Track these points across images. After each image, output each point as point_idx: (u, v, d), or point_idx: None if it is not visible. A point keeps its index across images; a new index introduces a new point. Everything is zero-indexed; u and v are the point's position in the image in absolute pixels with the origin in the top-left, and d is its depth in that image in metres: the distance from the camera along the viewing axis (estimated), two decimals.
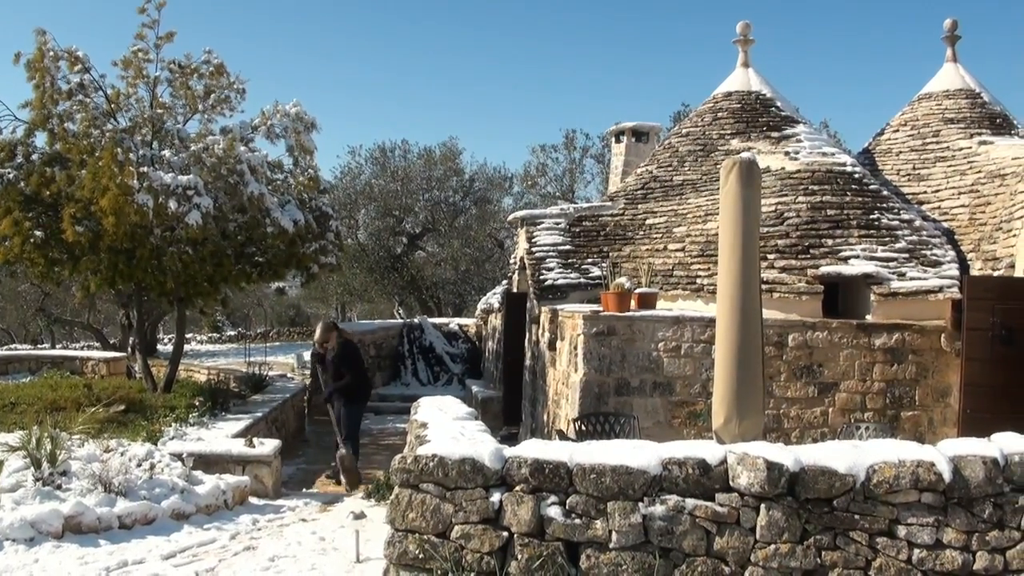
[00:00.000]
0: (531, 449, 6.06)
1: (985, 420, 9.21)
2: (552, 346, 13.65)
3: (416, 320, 28.07)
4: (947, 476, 5.75)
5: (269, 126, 16.28)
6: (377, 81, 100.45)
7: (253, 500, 10.94)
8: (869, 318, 12.47)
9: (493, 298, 23.57)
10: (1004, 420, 7.53)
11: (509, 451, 6.04)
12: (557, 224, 15.37)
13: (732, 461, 5.81)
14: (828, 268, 12.70)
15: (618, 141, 23.16)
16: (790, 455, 5.82)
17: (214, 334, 44.69)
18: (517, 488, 5.88)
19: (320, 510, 10.67)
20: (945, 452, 5.92)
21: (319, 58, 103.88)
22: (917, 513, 5.79)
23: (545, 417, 13.98)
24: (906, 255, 12.93)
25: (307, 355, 20.74)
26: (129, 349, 19.73)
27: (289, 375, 23.18)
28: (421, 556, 5.88)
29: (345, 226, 33.45)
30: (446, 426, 7.28)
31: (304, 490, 12.44)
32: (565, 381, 12.58)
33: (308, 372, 17.57)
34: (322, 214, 17.68)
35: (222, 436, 12.57)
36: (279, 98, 17.10)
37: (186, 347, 26.62)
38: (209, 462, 11.16)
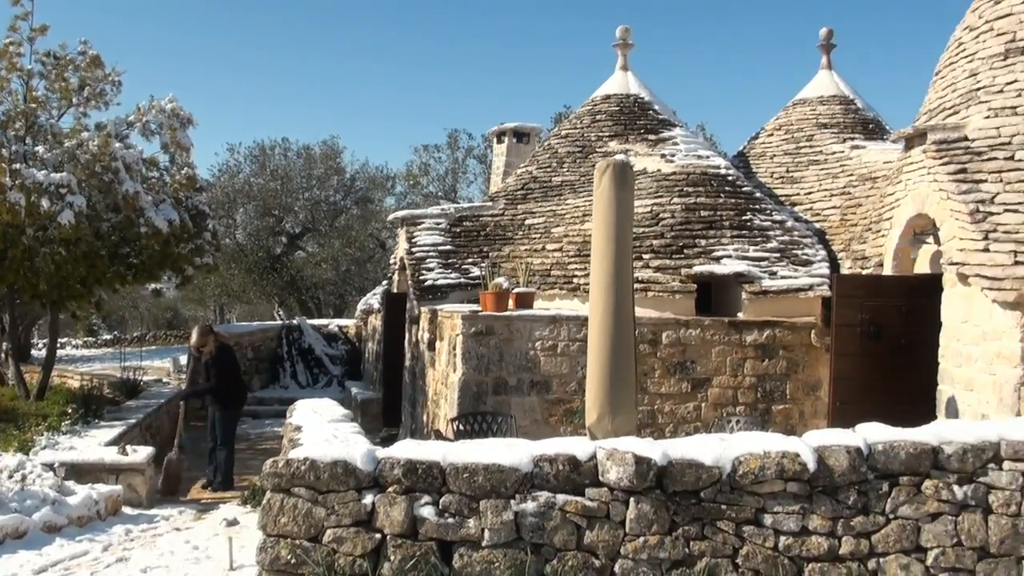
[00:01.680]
0: (404, 450, 6.06)
1: (854, 412, 9.51)
2: (431, 346, 13.65)
3: (295, 321, 27.72)
4: (811, 466, 5.95)
5: (144, 122, 15.91)
6: (256, 78, 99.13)
7: (127, 510, 10.67)
8: (741, 316, 12.80)
9: (373, 299, 23.43)
10: (872, 411, 7.80)
11: (382, 452, 6.03)
12: (438, 224, 15.37)
13: (602, 457, 5.91)
14: (701, 267, 12.99)
15: (500, 141, 23.27)
16: (658, 449, 5.94)
17: (89, 338, 43.41)
18: (390, 489, 5.87)
19: (194, 518, 10.49)
20: (810, 443, 6.12)
21: (196, 52, 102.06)
22: (783, 502, 5.98)
23: (424, 418, 13.97)
24: (778, 255, 13.30)
25: (183, 359, 20.29)
26: (1, 355, 19.04)
27: (165, 380, 22.66)
28: (293, 561, 5.83)
29: (223, 226, 32.82)
30: (320, 429, 7.24)
31: (179, 498, 12.20)
32: (444, 381, 12.60)
33: (184, 376, 17.20)
34: (199, 213, 17.33)
35: (95, 444, 12.23)
36: (155, 93, 16.64)
37: (60, 352, 25.74)
38: (82, 471, 10.82)
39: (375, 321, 21.83)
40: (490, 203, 16.15)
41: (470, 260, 14.73)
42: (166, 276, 18.22)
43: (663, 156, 15.08)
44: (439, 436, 10.68)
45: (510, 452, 5.94)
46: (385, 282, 20.62)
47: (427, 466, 5.88)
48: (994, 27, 11.45)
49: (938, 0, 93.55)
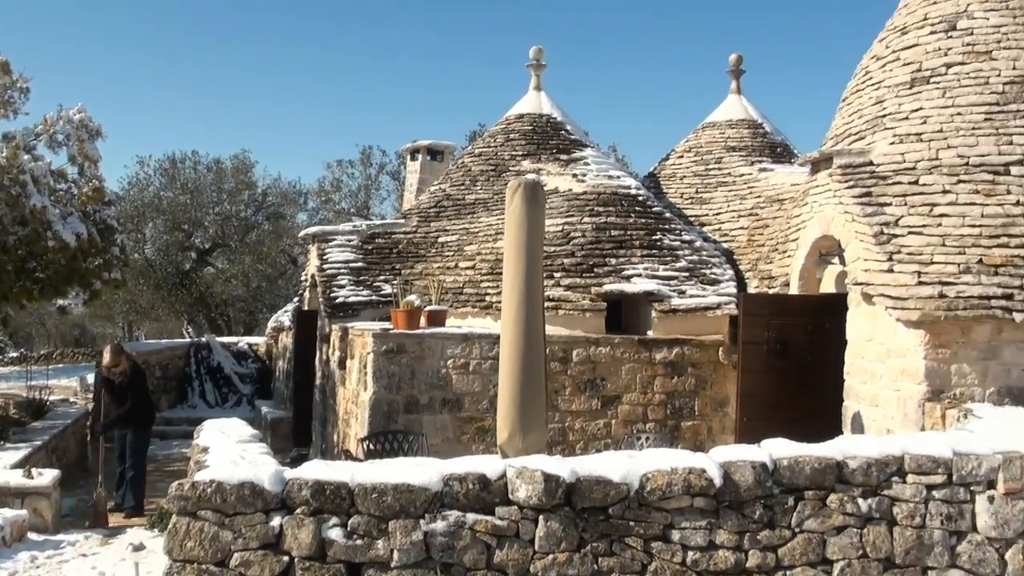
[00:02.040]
0: (312, 471, 5.99)
1: (761, 428, 9.65)
2: (342, 364, 13.53)
3: (204, 339, 27.27)
4: (718, 481, 6.04)
5: (52, 133, 15.52)
6: (167, 90, 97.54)
7: (32, 536, 10.31)
8: (651, 333, 12.94)
9: (284, 316, 23.16)
10: (778, 427, 7.93)
11: (290, 473, 5.95)
12: (349, 241, 15.26)
13: (511, 475, 5.91)
14: (611, 286, 13.11)
15: (413, 159, 23.23)
16: (567, 467, 5.97)
17: None
18: (298, 511, 5.80)
19: (101, 543, 10.23)
20: (716, 458, 6.21)
21: (106, 63, 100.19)
22: (690, 517, 6.05)
23: (335, 437, 13.84)
24: (686, 274, 13.48)
25: (91, 378, 19.80)
26: None
27: (72, 399, 22.05)
28: None
29: (132, 240, 32.13)
30: (227, 450, 7.13)
31: (86, 523, 11.89)
32: (355, 400, 12.50)
33: (92, 396, 16.77)
34: (107, 227, 16.92)
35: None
36: (64, 103, 16.10)
37: None
38: None
39: (285, 339, 21.57)
40: (403, 220, 16.11)
41: (382, 278, 14.65)
42: (73, 292, 17.76)
43: (575, 176, 15.20)
44: (349, 456, 10.58)
45: (419, 471, 5.91)
46: (296, 299, 20.41)
47: (335, 487, 5.82)
48: (900, 57, 11.86)
49: (846, 29, 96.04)
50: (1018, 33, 12.20)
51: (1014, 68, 11.44)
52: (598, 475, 5.98)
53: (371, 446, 10.49)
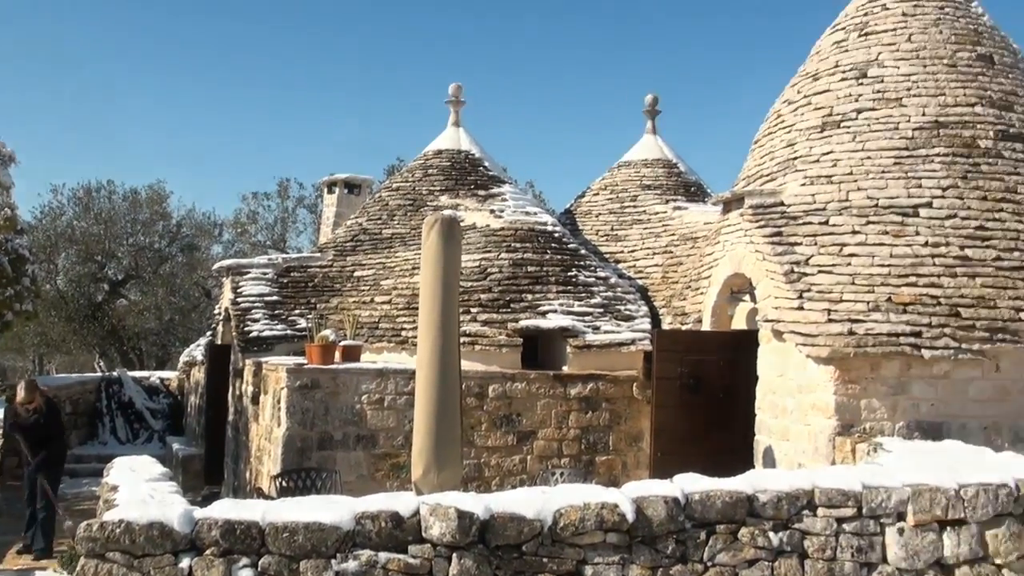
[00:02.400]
0: (223, 510, 5.90)
1: (675, 462, 9.75)
2: (255, 400, 13.36)
3: (115, 373, 26.68)
4: (630, 516, 6.08)
5: None
6: (82, 118, 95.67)
7: None
8: (566, 369, 13.02)
9: (197, 350, 22.77)
10: (692, 461, 8.04)
11: (200, 513, 5.85)
12: (265, 274, 15.11)
13: (425, 512, 5.88)
14: (527, 322, 13.19)
15: (330, 192, 23.13)
16: (481, 503, 5.96)
17: None
18: (208, 552, 5.70)
19: None
20: (629, 494, 6.25)
21: (18, 88, 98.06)
22: (603, 552, 6.08)
23: (248, 475, 13.63)
24: (601, 310, 13.62)
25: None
26: None
27: None
28: None
29: (44, 271, 31.37)
30: (137, 489, 6.98)
31: None
32: (268, 436, 12.34)
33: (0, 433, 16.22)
34: (19, 257, 16.47)
35: None
36: None
37: None
38: None
39: (198, 374, 21.22)
40: (319, 254, 16.01)
41: (297, 312, 14.53)
42: None
43: (492, 212, 15.29)
44: (260, 494, 10.43)
45: (331, 510, 5.85)
46: (209, 333, 20.11)
47: (246, 526, 5.73)
48: (812, 101, 12.24)
49: (759, 71, 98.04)
50: (927, 81, 12.70)
51: (923, 114, 11.87)
52: (512, 512, 5.98)
53: (284, 484, 10.36)
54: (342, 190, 22.33)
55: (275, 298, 14.81)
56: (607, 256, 15.77)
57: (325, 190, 23.32)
